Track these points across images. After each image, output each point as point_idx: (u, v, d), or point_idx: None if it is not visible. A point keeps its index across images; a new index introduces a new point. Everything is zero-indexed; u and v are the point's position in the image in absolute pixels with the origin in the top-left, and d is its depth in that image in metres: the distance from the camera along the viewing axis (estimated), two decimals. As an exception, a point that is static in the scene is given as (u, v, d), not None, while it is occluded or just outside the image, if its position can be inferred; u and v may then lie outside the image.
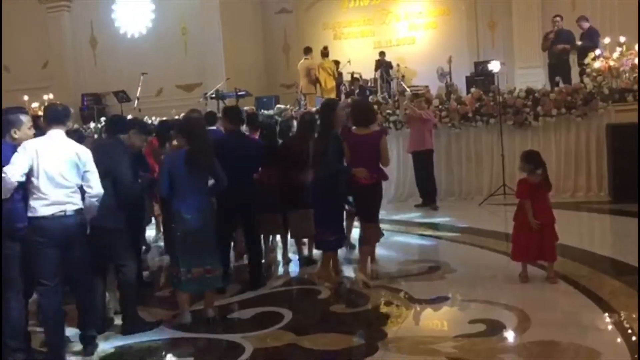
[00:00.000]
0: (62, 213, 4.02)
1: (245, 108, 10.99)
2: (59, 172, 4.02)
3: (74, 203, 4.09)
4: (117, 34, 15.32)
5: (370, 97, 10.76)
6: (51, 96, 12.74)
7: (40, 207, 3.97)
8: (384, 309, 5.00)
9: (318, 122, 6.03)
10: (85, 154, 4.19)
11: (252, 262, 5.78)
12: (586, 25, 10.64)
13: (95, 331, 4.40)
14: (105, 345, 4.44)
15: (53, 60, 15.68)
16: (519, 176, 9.73)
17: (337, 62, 13.16)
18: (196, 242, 4.70)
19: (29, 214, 3.99)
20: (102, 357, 4.32)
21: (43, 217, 3.97)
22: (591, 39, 10.38)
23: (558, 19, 10.83)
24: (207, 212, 4.83)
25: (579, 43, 10.50)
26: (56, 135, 4.14)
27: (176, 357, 4.38)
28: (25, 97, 13.11)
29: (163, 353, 4.41)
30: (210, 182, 4.93)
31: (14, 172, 3.88)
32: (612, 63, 9.17)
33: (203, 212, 4.76)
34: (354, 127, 5.68)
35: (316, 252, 6.26)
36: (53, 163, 4.02)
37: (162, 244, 7.39)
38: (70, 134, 4.47)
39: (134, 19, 15.00)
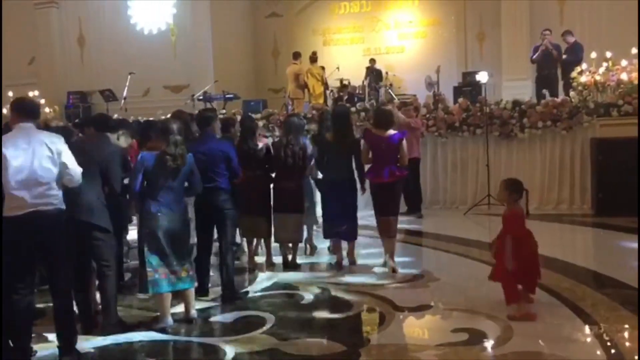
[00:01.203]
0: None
1: (233, 111, 10.98)
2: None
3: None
4: (106, 33, 15.21)
5: (358, 104, 10.76)
6: (36, 93, 12.61)
7: None
8: (367, 316, 4.99)
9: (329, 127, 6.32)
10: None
11: (222, 276, 5.49)
12: (571, 39, 10.79)
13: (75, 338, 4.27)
14: (85, 345, 4.36)
15: (40, 57, 15.54)
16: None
17: (322, 68, 13.16)
18: (165, 241, 4.63)
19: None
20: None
21: None
22: (576, 53, 10.53)
23: (547, 32, 10.95)
24: (179, 213, 4.73)
25: (563, 57, 10.64)
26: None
27: (156, 359, 4.32)
28: (10, 93, 12.96)
29: (142, 355, 4.35)
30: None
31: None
32: (597, 78, 9.27)
33: (174, 211, 4.68)
34: (374, 129, 6.29)
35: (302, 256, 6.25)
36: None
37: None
38: (57, 130, 4.40)
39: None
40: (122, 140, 5.33)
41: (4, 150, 3.84)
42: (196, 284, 4.99)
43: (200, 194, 5.13)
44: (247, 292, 5.63)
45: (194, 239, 5.39)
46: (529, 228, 4.97)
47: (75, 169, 4.07)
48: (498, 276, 4.89)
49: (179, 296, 4.89)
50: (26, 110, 4.08)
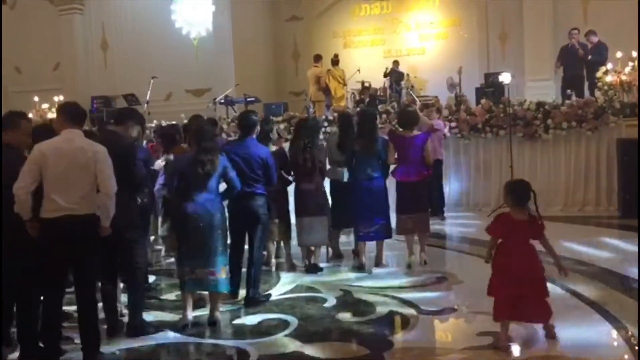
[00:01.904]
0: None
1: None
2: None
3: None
4: (129, 38, 15.38)
5: (380, 106, 10.73)
6: (61, 98, 12.78)
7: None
8: (390, 319, 4.95)
9: (356, 129, 6.39)
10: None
11: (249, 278, 5.47)
12: (595, 39, 10.67)
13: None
14: (110, 349, 4.41)
15: (64, 62, 15.76)
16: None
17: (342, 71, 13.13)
18: (201, 242, 4.68)
19: None
20: (106, 360, 4.30)
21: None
22: (600, 53, 10.42)
23: (575, 31, 10.84)
24: (215, 214, 4.78)
25: (588, 57, 10.51)
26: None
27: (180, 361, 4.35)
28: (36, 99, 13.18)
29: (167, 357, 4.38)
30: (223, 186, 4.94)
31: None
32: (623, 77, 9.14)
33: (210, 212, 4.73)
34: (400, 130, 6.53)
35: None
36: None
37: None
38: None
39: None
40: (132, 130, 5.04)
41: (47, 154, 3.96)
42: (228, 289, 5.00)
43: (236, 198, 5.15)
44: (270, 295, 5.64)
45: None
46: (535, 246, 4.26)
47: (109, 180, 4.09)
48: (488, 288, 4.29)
49: (205, 297, 4.92)
50: (73, 116, 4.18)
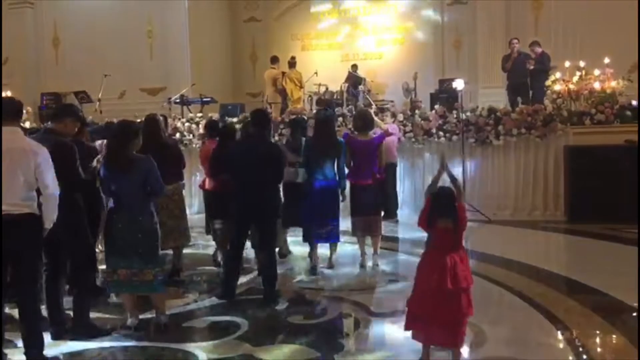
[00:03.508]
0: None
1: (210, 114, 10.92)
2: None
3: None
4: (82, 34, 15.01)
5: (337, 110, 10.76)
6: (9, 93, 12.38)
7: None
8: (341, 321, 4.96)
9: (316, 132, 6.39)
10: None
11: (265, 277, 5.57)
12: (539, 50, 11.02)
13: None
14: (54, 351, 4.28)
15: (13, 58, 15.26)
16: (480, 193, 9.92)
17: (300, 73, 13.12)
18: (124, 243, 4.57)
19: None
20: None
21: None
22: (543, 63, 10.78)
23: (515, 41, 11.13)
24: (141, 215, 4.59)
25: (531, 67, 10.81)
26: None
27: (127, 365, 4.25)
28: (-18, 94, 12.70)
29: (113, 361, 4.28)
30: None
31: None
32: (571, 86, 9.42)
33: (135, 214, 4.58)
34: (355, 133, 6.57)
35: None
36: None
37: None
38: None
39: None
40: (71, 126, 4.85)
41: None
42: (165, 290, 4.88)
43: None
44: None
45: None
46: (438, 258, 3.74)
47: (50, 181, 3.98)
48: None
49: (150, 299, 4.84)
50: (9, 113, 4.00)
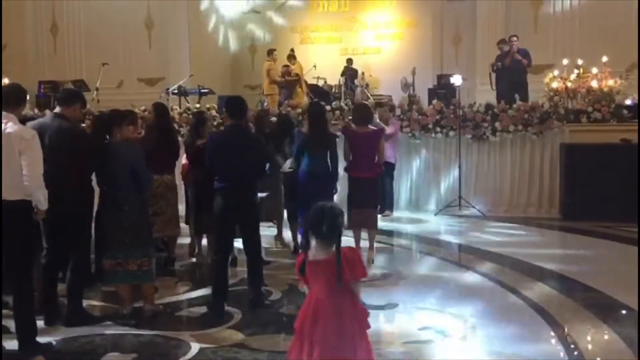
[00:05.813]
0: None
1: (207, 106, 10.91)
2: None
3: None
4: (80, 23, 14.96)
5: (334, 103, 10.75)
6: (6, 81, 12.33)
7: None
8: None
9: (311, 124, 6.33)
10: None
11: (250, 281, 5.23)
12: (514, 42, 10.84)
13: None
14: (47, 338, 4.29)
15: (12, 45, 15.20)
16: (476, 189, 9.94)
17: (286, 66, 13.11)
18: (110, 233, 4.61)
19: None
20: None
21: None
22: (528, 58, 10.70)
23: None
24: (127, 205, 4.62)
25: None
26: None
27: (119, 352, 4.26)
28: (-21, 80, 12.65)
29: (106, 348, 4.29)
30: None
31: None
32: (569, 84, 9.42)
33: (115, 204, 4.62)
34: (353, 126, 6.54)
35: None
36: None
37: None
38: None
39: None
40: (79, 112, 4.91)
41: None
42: (152, 279, 4.86)
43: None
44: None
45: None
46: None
47: (33, 167, 3.96)
48: None
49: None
50: (7, 100, 4.02)
